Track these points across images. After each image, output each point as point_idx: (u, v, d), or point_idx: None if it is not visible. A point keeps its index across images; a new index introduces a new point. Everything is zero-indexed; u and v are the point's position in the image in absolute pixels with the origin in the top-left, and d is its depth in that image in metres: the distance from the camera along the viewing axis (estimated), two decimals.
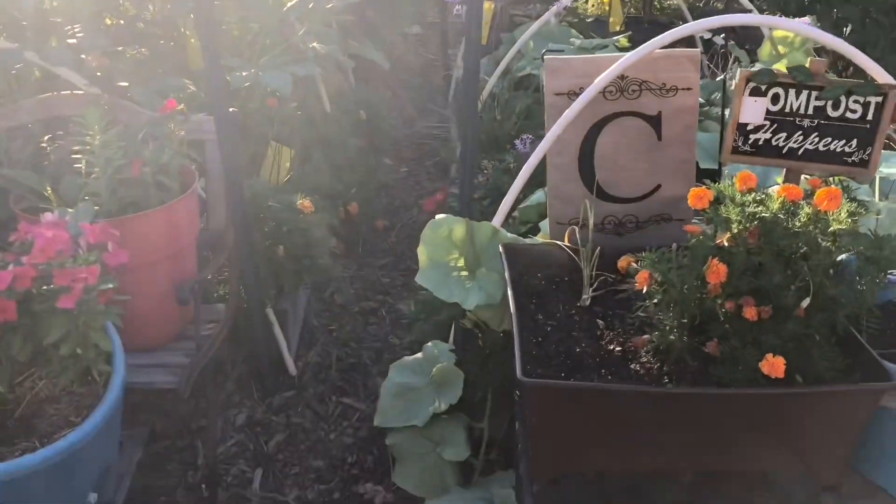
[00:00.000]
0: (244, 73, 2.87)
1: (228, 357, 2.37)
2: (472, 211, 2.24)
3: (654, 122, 2.08)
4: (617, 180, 2.12)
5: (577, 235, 1.99)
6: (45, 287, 1.56)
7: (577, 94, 2.03)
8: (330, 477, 2.33)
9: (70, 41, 2.41)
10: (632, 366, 1.66)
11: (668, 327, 1.60)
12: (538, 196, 2.79)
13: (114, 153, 1.93)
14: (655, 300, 1.59)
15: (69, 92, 2.28)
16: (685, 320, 1.60)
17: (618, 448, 1.65)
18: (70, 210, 1.82)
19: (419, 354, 2.29)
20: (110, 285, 1.58)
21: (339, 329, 3.05)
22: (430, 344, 2.29)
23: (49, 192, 2.00)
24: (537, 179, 3.04)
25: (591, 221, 1.95)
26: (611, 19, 5.37)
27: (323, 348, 2.91)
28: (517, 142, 2.95)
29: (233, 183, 2.27)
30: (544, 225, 2.46)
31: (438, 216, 2.15)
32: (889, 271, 1.58)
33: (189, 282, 2.03)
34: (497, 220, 2.14)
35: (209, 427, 2.21)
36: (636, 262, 1.70)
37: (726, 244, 1.54)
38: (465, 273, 2.12)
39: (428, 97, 5.68)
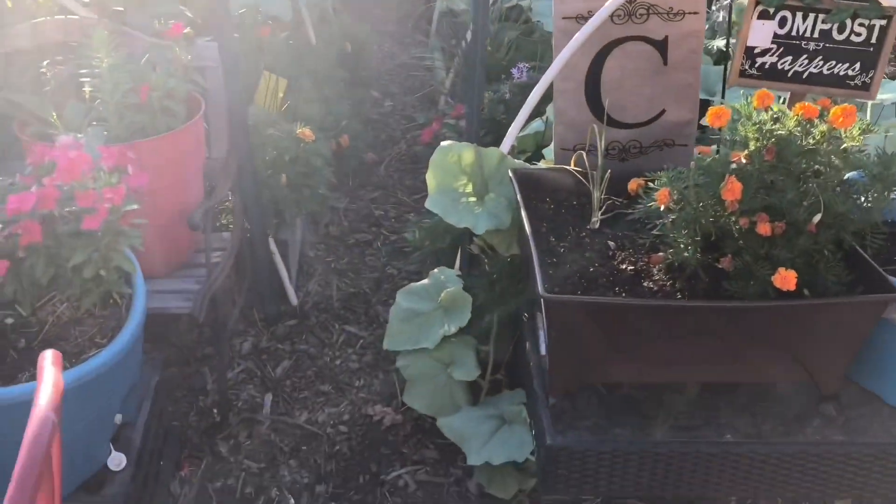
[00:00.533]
0: None
1: (234, 285, 2.38)
2: (479, 137, 2.25)
3: (661, 46, 2.10)
4: (622, 105, 2.14)
5: (586, 160, 2.02)
6: (67, 209, 1.55)
7: (585, 19, 2.04)
8: (338, 400, 2.39)
9: None
10: (645, 283, 1.71)
11: (682, 245, 1.65)
12: (536, 125, 2.80)
13: (121, 77, 1.90)
14: (672, 218, 1.64)
15: (64, 17, 2.23)
16: (698, 238, 1.65)
17: (632, 362, 1.71)
18: (79, 135, 1.80)
19: (425, 280, 2.33)
20: (135, 206, 1.58)
21: (337, 260, 3.07)
22: (436, 270, 2.32)
23: (54, 117, 1.97)
24: (534, 110, 3.07)
25: (601, 145, 1.97)
26: None
27: (322, 278, 2.93)
28: (514, 70, 2.94)
29: (236, 110, 2.26)
30: (547, 152, 2.49)
31: (446, 142, 2.16)
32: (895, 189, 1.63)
33: (200, 208, 2.03)
34: (505, 146, 2.16)
35: (219, 353, 2.24)
36: (647, 183, 1.74)
37: (744, 161, 1.58)
38: (472, 199, 2.14)
39: (410, 29, 5.60)
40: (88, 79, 1.92)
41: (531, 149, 2.81)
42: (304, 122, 2.71)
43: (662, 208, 1.63)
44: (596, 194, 1.94)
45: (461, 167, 2.14)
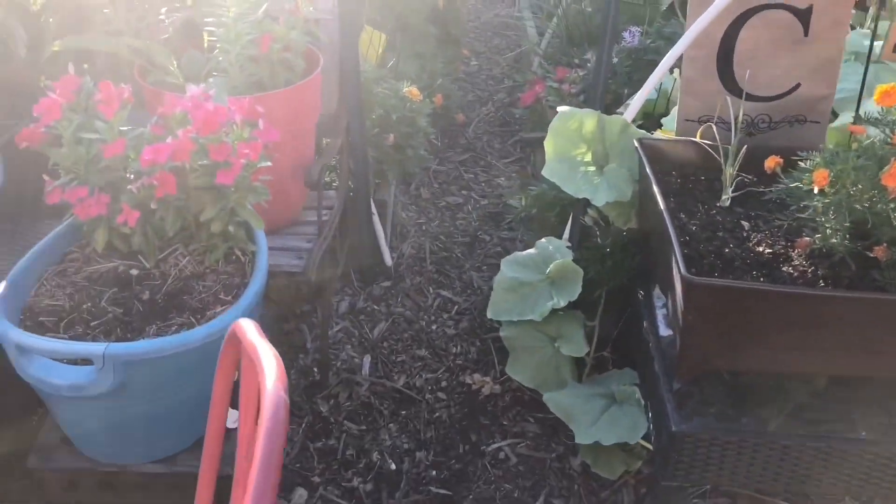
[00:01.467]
0: None
1: (338, 245, 2.35)
2: (603, 104, 2.16)
3: (803, 15, 1.97)
4: (755, 77, 2.03)
5: (716, 132, 1.92)
6: (200, 162, 1.52)
7: None
8: (436, 366, 2.36)
9: None
10: (784, 268, 1.62)
11: (830, 230, 1.56)
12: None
13: (245, 27, 1.86)
14: (824, 201, 1.54)
15: None
16: (848, 223, 1.55)
17: (765, 349, 1.63)
18: (205, 86, 1.77)
19: (532, 250, 2.27)
20: (268, 163, 1.54)
21: (428, 223, 3.03)
22: (543, 240, 2.26)
23: (174, 66, 1.94)
24: (637, 78, 2.95)
25: (738, 118, 1.87)
26: None
27: (415, 241, 2.89)
28: (625, 34, 2.82)
29: (349, 67, 2.20)
30: (668, 122, 2.38)
31: (565, 107, 2.08)
32: None
33: (316, 164, 1.99)
34: (629, 114, 2.06)
35: (323, 313, 2.22)
36: (783, 161, 1.65)
37: None
38: (592, 168, 2.06)
39: None
40: (213, 28, 1.88)
41: (639, 118, 2.70)
42: (408, 81, 2.65)
43: (816, 190, 1.53)
44: (728, 170, 1.84)
45: (581, 135, 2.06)
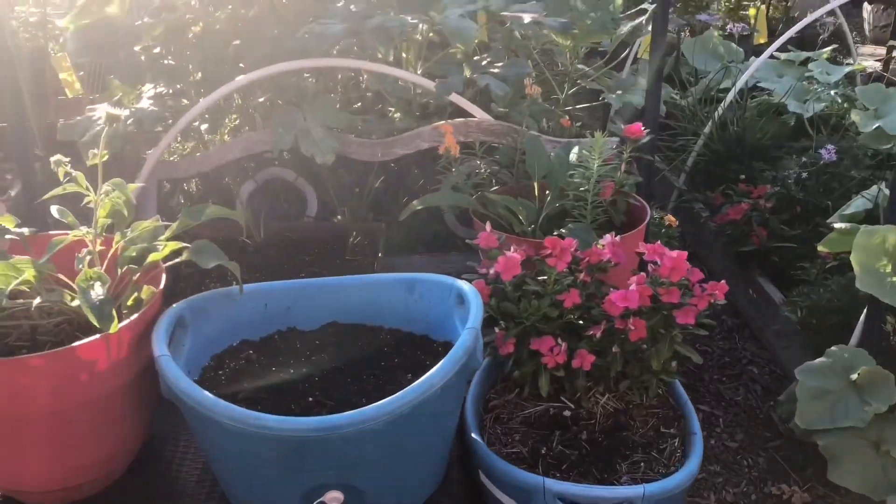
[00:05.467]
0: None
1: None
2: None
3: None
4: None
5: None
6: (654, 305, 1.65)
7: None
8: (736, 480, 2.42)
9: None
10: None
11: None
12: (858, 203, 2.90)
13: (600, 174, 2.03)
14: None
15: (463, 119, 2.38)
16: None
17: None
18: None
19: (823, 359, 2.39)
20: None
21: None
22: (834, 348, 2.39)
23: (522, 214, 2.09)
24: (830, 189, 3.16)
25: None
26: (756, 32, 5.51)
27: None
28: (822, 151, 3.06)
29: None
30: None
31: (868, 226, 2.26)
32: None
33: None
34: None
35: None
36: None
37: None
38: (895, 279, 2.22)
39: None
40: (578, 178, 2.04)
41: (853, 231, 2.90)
42: None
43: None
44: None
45: (884, 249, 2.23)
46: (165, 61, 2.62)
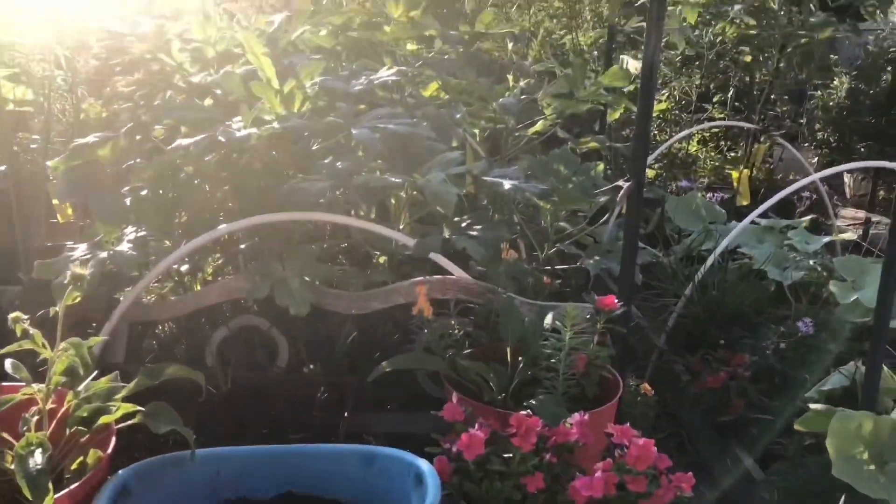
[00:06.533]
0: None
1: None
2: (878, 404, 2.31)
3: None
4: None
5: None
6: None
7: None
8: None
9: None
10: None
11: None
12: (837, 379, 2.87)
13: (572, 345, 2.01)
14: None
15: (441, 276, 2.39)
16: None
17: None
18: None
19: None
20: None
21: None
22: None
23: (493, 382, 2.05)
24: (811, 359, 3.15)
25: None
26: (739, 195, 5.65)
27: None
28: (800, 324, 3.07)
29: None
30: None
31: (844, 410, 2.23)
32: None
33: None
34: None
35: None
36: None
37: None
38: (872, 467, 2.17)
39: None
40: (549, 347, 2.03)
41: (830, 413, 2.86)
42: None
43: None
44: None
45: (861, 435, 2.19)
46: (151, 205, 2.65)
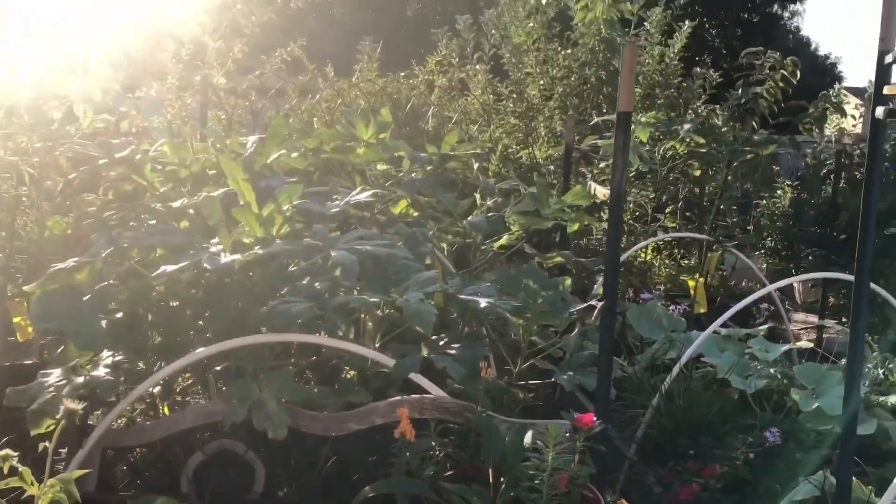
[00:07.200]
0: None
1: None
2: None
3: None
4: None
5: None
6: None
7: None
8: None
9: None
10: None
11: None
12: (806, 490, 2.92)
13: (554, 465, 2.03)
14: None
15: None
16: None
17: None
18: None
19: None
20: None
21: None
22: None
23: None
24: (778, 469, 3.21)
25: None
26: (696, 303, 5.81)
27: None
28: (768, 433, 3.14)
29: None
30: None
31: None
32: None
33: None
34: None
35: None
36: None
37: None
38: None
39: None
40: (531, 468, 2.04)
41: None
42: None
43: None
44: None
45: None
46: (126, 328, 2.64)
